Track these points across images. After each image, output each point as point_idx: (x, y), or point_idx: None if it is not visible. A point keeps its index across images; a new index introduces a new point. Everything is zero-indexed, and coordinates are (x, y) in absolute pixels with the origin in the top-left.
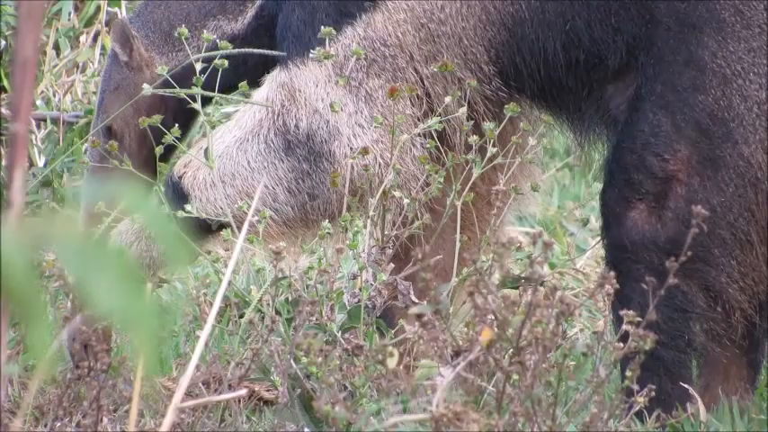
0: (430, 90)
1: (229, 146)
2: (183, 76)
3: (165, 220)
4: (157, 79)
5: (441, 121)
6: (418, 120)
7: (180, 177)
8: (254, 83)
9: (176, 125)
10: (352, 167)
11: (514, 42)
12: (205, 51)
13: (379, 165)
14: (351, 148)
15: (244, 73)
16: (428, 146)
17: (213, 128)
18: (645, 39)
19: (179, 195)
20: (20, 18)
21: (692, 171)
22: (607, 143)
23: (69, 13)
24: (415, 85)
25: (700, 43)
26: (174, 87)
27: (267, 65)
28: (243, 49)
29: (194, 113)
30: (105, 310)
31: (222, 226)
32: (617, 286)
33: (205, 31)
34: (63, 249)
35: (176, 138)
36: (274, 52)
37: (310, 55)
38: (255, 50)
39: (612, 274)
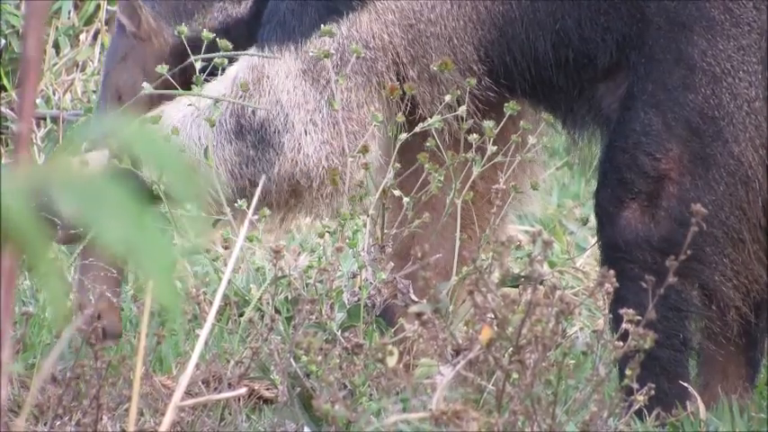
0: (415, 91)
1: (186, 116)
2: (191, 49)
3: (171, 153)
4: (165, 47)
5: (429, 122)
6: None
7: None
8: None
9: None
10: (295, 162)
11: (505, 41)
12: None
13: (323, 167)
14: (299, 144)
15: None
16: (428, 144)
17: (213, 126)
18: (635, 38)
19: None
20: (25, 18)
21: (684, 170)
22: (600, 142)
23: (69, 12)
24: (397, 88)
25: (689, 42)
26: (188, 55)
27: None
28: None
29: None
30: (114, 245)
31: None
32: (616, 285)
33: (206, 15)
34: (64, 187)
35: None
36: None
37: (307, 49)
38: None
39: (612, 272)
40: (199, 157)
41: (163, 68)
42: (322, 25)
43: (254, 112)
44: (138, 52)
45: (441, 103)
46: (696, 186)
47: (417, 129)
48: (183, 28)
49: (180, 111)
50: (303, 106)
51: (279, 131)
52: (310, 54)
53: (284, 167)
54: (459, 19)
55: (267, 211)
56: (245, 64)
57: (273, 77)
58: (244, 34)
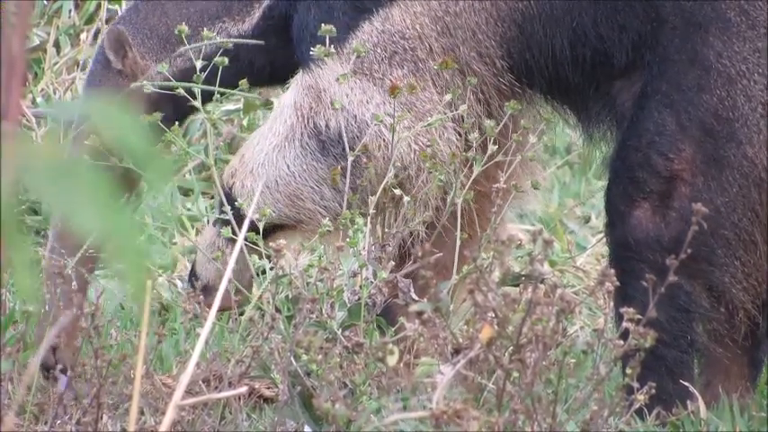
0: (450, 82)
1: (268, 153)
2: (183, 81)
3: (136, 133)
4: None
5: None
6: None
7: (230, 188)
8: (260, 85)
9: (176, 124)
10: (387, 158)
11: (524, 38)
12: (208, 54)
13: (414, 151)
14: (383, 139)
15: (249, 75)
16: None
17: (213, 125)
18: (650, 37)
19: (231, 205)
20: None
21: (697, 171)
22: (613, 140)
23: (70, 11)
24: (436, 76)
25: (705, 43)
26: (176, 87)
27: (273, 66)
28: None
29: (186, 118)
30: (86, 230)
31: (275, 228)
32: (617, 283)
33: (205, 29)
34: (37, 172)
35: (165, 122)
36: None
37: (349, 51)
38: (251, 41)
39: (613, 271)
40: (297, 185)
41: (164, 67)
42: (354, 26)
43: (328, 126)
44: (121, 90)
45: (471, 95)
46: (709, 188)
47: (418, 126)
48: (184, 28)
49: (262, 150)
50: (369, 102)
51: (357, 136)
52: (352, 55)
53: (379, 166)
54: (480, 14)
55: (329, 224)
56: (298, 88)
57: (329, 88)
58: (247, 53)
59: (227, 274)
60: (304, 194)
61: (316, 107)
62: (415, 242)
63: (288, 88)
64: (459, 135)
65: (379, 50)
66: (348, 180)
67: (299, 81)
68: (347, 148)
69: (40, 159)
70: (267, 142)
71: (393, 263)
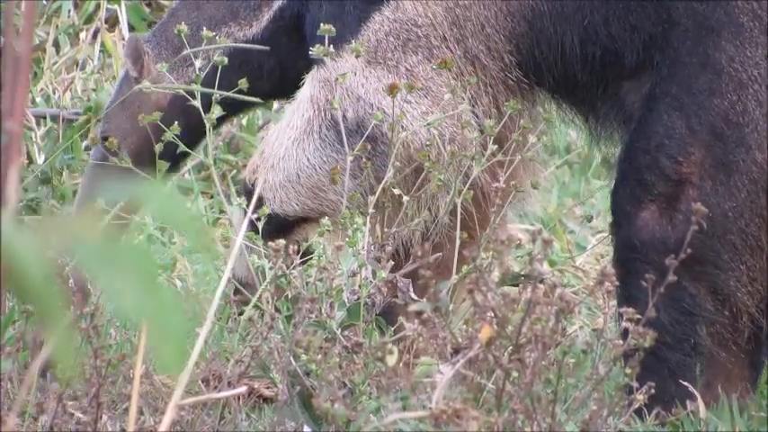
0: (463, 70)
1: (288, 147)
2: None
3: (177, 208)
4: (163, 98)
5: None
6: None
7: (253, 184)
8: (270, 91)
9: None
10: (407, 144)
11: (534, 35)
12: (218, 58)
13: (433, 136)
14: (402, 126)
15: (259, 77)
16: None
17: (213, 125)
18: (661, 39)
19: (256, 201)
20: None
21: (705, 174)
22: (620, 140)
23: (69, 11)
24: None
25: (717, 46)
26: (178, 90)
27: (282, 68)
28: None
29: (200, 137)
30: (128, 311)
31: (299, 221)
32: (617, 283)
33: (205, 29)
34: (82, 249)
35: (176, 135)
36: (253, 46)
37: (361, 43)
38: (249, 46)
39: (612, 270)
40: (319, 177)
41: (163, 67)
42: (366, 17)
43: (345, 117)
44: (134, 98)
45: (482, 87)
46: (717, 192)
47: (420, 125)
48: (183, 27)
49: (281, 145)
50: (386, 90)
51: (375, 124)
52: (372, 41)
53: (399, 153)
54: (490, 8)
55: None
56: (314, 83)
57: (345, 80)
58: (257, 56)
59: (228, 271)
60: (326, 186)
61: (332, 99)
62: (437, 230)
63: (303, 84)
64: (478, 117)
65: (391, 39)
66: (347, 175)
67: (314, 76)
68: (346, 140)
69: (86, 239)
70: (286, 137)
71: (392, 262)
